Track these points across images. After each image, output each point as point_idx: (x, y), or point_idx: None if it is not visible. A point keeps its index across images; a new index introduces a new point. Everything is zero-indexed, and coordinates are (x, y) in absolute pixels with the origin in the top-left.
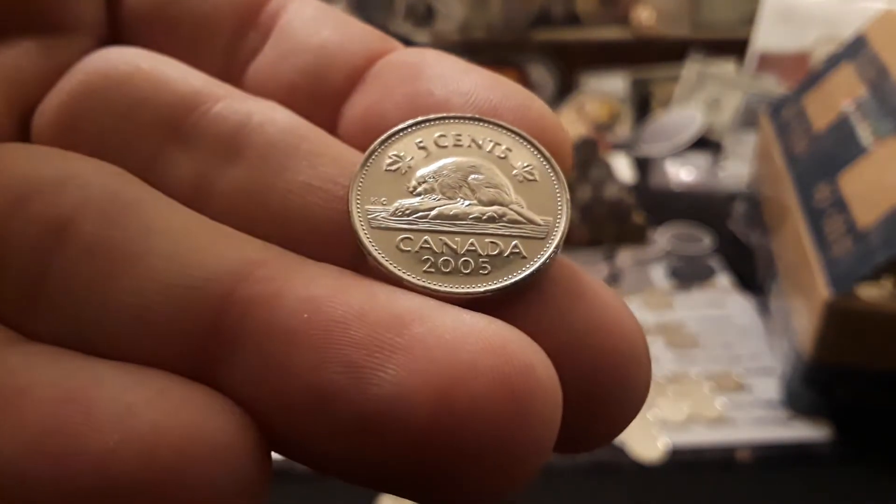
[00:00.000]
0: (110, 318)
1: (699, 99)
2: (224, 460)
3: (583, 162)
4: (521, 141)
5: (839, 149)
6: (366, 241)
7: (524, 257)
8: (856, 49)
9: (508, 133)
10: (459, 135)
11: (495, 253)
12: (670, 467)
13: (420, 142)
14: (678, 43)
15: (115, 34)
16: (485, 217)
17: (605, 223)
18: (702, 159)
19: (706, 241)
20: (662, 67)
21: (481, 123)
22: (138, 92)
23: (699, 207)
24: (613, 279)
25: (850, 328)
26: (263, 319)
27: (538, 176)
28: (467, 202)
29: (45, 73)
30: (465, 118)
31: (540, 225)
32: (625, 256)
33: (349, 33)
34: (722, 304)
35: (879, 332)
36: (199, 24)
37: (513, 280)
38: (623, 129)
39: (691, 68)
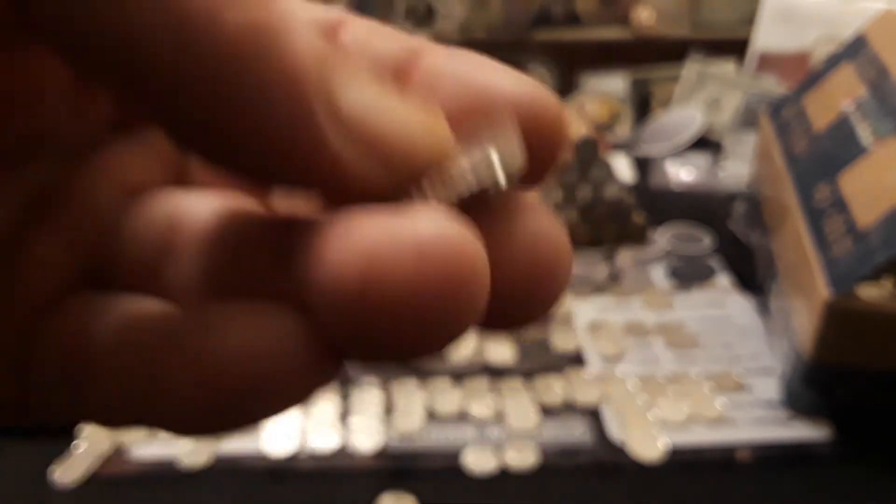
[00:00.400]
0: (220, 273)
1: (699, 99)
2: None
3: (583, 162)
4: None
5: (839, 149)
6: None
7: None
8: (856, 49)
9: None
10: None
11: None
12: (670, 467)
13: None
14: (678, 43)
15: None
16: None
17: (605, 223)
18: (702, 159)
19: (706, 241)
20: (662, 67)
21: None
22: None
23: (699, 207)
24: (613, 279)
25: (850, 328)
26: None
27: None
28: None
29: None
30: None
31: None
32: (625, 256)
33: (384, 44)
34: (722, 304)
35: (879, 332)
36: None
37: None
38: (623, 129)
39: (691, 68)
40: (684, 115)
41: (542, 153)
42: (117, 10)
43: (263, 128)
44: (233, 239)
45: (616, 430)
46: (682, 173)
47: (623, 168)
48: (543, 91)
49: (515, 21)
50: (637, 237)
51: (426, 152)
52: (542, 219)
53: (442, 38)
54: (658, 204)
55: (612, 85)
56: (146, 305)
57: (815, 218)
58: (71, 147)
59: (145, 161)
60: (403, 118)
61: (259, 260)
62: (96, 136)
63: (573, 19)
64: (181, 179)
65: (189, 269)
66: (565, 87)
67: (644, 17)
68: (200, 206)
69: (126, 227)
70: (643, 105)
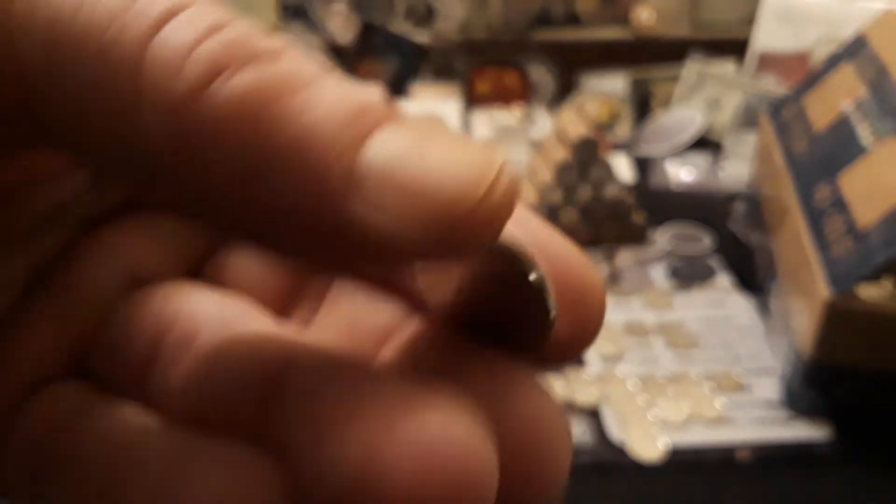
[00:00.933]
0: (205, 399)
1: (699, 99)
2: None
3: (583, 162)
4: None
5: (839, 149)
6: None
7: None
8: (856, 49)
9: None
10: None
11: None
12: (670, 467)
13: None
14: (678, 43)
15: None
16: None
17: (605, 223)
18: (702, 159)
19: (706, 241)
20: (662, 67)
21: None
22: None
23: (699, 207)
24: (613, 279)
25: (850, 328)
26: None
27: None
28: None
29: (207, 238)
30: None
31: None
32: (625, 256)
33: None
34: (722, 304)
35: (879, 332)
36: None
37: None
38: (623, 129)
39: (691, 68)
40: (684, 115)
41: (573, 327)
42: (125, 130)
43: (276, 208)
44: (226, 362)
45: (616, 430)
46: (682, 173)
47: (623, 168)
48: (586, 262)
49: (515, 21)
50: (637, 237)
51: (474, 196)
52: (542, 401)
53: (442, 38)
54: (658, 204)
55: (612, 85)
56: (126, 418)
57: (815, 218)
58: (85, 218)
59: (157, 249)
60: (443, 158)
61: (249, 394)
62: (113, 209)
63: (573, 19)
64: (195, 272)
65: (175, 384)
66: (565, 87)
67: (644, 17)
68: (203, 311)
69: (121, 318)
70: (643, 105)
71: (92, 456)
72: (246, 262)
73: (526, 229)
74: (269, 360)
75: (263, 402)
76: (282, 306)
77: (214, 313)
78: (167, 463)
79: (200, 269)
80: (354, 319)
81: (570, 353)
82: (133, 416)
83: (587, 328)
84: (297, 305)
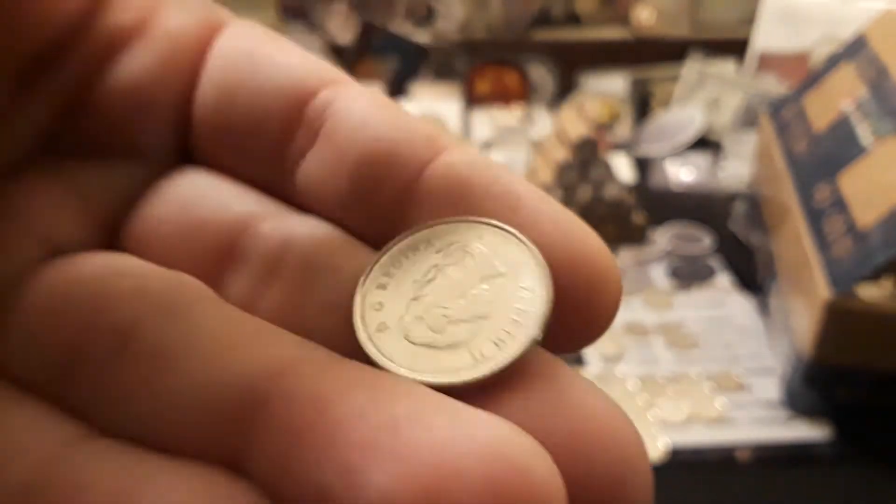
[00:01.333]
0: (159, 414)
1: (699, 99)
2: None
3: (583, 162)
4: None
5: (839, 149)
6: (367, 345)
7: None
8: (856, 49)
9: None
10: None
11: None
12: (670, 467)
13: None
14: (678, 43)
15: (183, 144)
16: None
17: (605, 223)
18: (702, 159)
19: (706, 241)
20: (662, 67)
21: (499, 230)
22: (200, 214)
23: (699, 207)
24: None
25: (850, 328)
26: (281, 416)
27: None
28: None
29: (128, 193)
30: (482, 222)
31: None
32: (625, 256)
33: (398, 135)
34: (722, 304)
35: (879, 332)
36: (250, 128)
37: (489, 369)
38: (623, 129)
39: (691, 68)
40: (684, 115)
41: (578, 313)
42: None
43: None
44: (180, 364)
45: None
46: (682, 173)
47: (623, 168)
48: (591, 236)
49: (515, 21)
50: (637, 237)
51: None
52: (588, 391)
53: (442, 38)
54: (658, 204)
55: (612, 85)
56: (50, 435)
57: (815, 218)
58: None
59: (75, 214)
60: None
61: (211, 407)
62: (23, 156)
63: (573, 19)
64: (114, 241)
65: (115, 394)
66: (565, 87)
67: (644, 17)
68: (141, 294)
69: (37, 304)
70: (643, 105)
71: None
72: (167, 224)
73: (543, 211)
74: (237, 367)
75: (232, 415)
76: (216, 274)
77: (155, 296)
78: (112, 491)
79: (117, 234)
80: (303, 294)
81: (584, 339)
82: (60, 432)
83: (601, 315)
84: (234, 272)
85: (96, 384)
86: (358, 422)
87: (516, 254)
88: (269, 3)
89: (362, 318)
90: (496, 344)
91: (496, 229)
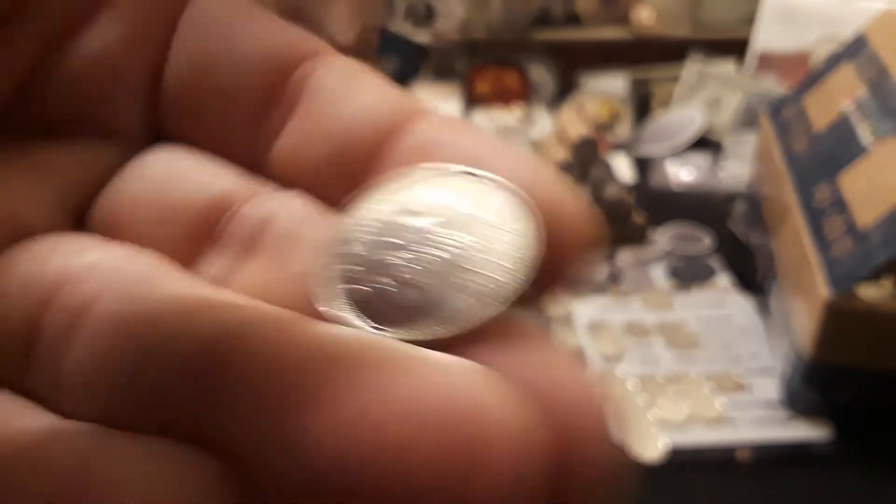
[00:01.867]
0: (117, 392)
1: (699, 99)
2: None
3: (583, 162)
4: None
5: (839, 149)
6: (336, 301)
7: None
8: (856, 49)
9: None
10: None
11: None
12: (670, 467)
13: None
14: (678, 43)
15: (154, 121)
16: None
17: (605, 223)
18: (702, 159)
19: (706, 241)
20: (662, 67)
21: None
22: (176, 195)
23: (699, 207)
24: (613, 279)
25: (850, 328)
26: (241, 377)
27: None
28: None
29: (97, 173)
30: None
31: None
32: (625, 256)
33: (371, 107)
34: (722, 304)
35: (879, 332)
36: (227, 102)
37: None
38: (623, 129)
39: (691, 68)
40: (684, 115)
41: (553, 254)
42: None
43: None
44: (139, 338)
45: (616, 429)
46: (682, 173)
47: (623, 168)
48: (559, 182)
49: (515, 21)
50: (637, 237)
51: None
52: (558, 360)
53: (442, 38)
54: (658, 204)
55: (612, 85)
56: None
57: (815, 218)
58: None
59: (41, 197)
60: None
61: (173, 377)
62: None
63: (573, 19)
64: (84, 224)
65: (70, 370)
66: (565, 88)
67: (644, 17)
68: (99, 269)
69: None
70: (643, 105)
71: None
72: (142, 204)
73: (512, 159)
74: (196, 330)
75: (196, 387)
76: (194, 254)
77: (114, 272)
78: (69, 473)
79: (87, 217)
80: (279, 268)
81: (557, 274)
82: (18, 415)
83: (568, 245)
84: (212, 252)
85: (52, 364)
86: (322, 377)
87: (494, 201)
88: (269, 2)
89: (330, 275)
90: (476, 296)
91: (472, 176)
